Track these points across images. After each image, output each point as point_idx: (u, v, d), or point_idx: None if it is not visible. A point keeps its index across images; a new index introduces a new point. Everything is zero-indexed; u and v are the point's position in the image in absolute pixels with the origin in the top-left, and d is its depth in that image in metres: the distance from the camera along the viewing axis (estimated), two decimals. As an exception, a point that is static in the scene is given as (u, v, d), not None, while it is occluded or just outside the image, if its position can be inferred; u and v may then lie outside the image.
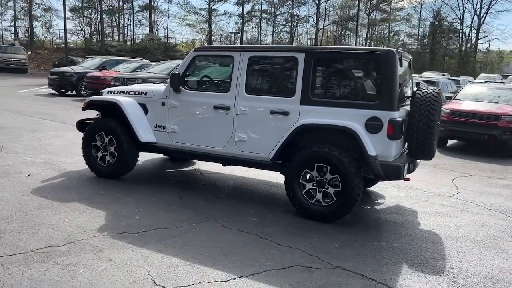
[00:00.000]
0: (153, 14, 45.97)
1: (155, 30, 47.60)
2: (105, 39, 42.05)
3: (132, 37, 46.24)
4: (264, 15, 49.63)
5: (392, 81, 4.31)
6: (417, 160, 4.93)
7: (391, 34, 53.89)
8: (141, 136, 5.37)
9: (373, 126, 4.29)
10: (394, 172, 4.29)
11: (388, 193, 5.91)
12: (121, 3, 44.95)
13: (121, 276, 3.13)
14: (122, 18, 47.00)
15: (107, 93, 5.90)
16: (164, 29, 48.17)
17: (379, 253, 3.86)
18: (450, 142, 10.50)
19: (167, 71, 13.46)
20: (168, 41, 45.96)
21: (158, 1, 45.91)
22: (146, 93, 5.54)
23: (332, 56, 4.77)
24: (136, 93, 5.60)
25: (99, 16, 42.06)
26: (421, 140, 4.52)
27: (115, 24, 45.95)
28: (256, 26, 51.53)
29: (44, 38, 44.78)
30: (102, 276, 3.11)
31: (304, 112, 4.59)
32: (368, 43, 49.41)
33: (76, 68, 18.10)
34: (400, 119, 4.27)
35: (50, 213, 4.27)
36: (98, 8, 41.82)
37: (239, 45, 32.74)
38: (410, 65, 5.21)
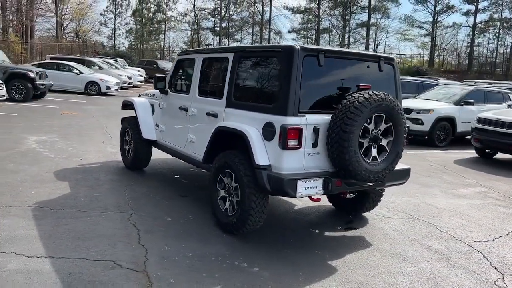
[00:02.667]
0: (370, 30, 45.97)
1: (376, 46, 47.47)
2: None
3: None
4: (505, 25, 43.19)
5: (288, 82, 3.69)
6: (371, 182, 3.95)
7: None
8: (144, 133, 5.98)
9: (268, 132, 3.78)
10: (278, 187, 3.64)
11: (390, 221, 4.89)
12: (334, 22, 46.59)
13: None
14: (341, 35, 48.54)
15: (143, 95, 6.74)
16: (377, 45, 47.34)
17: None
18: None
19: None
20: (383, 58, 45.12)
21: (379, 18, 45.52)
22: (154, 95, 6.13)
23: (248, 55, 4.36)
24: (150, 94, 6.26)
25: (315, 35, 44.69)
26: (336, 155, 3.69)
27: (329, 43, 47.88)
28: (495, 37, 45.21)
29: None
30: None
31: (226, 115, 4.38)
32: None
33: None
34: (294, 127, 3.62)
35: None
36: (315, 27, 44.49)
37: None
38: (380, 67, 4.25)
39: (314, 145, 3.78)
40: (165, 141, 5.70)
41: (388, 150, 3.95)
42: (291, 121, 3.65)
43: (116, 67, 26.00)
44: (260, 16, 45.35)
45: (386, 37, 49.00)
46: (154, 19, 47.27)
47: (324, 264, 3.70)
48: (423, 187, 6.58)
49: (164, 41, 48.43)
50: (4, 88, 13.75)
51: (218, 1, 45.21)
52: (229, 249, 3.84)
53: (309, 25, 45.85)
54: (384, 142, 3.93)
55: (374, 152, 3.88)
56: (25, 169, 6.06)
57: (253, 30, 48.38)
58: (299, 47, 3.75)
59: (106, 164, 6.72)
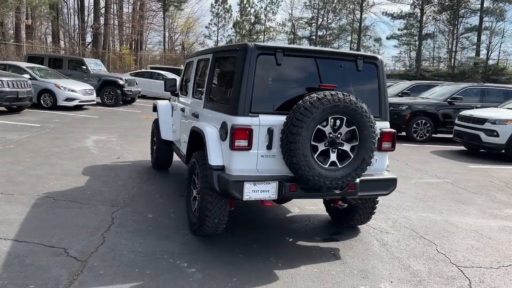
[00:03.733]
0: (482, 35, 42.01)
1: (490, 52, 43.31)
2: (421, 64, 41.76)
3: (452, 61, 43.76)
4: None
5: (239, 81, 3.59)
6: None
7: None
8: (162, 134, 6.25)
9: (222, 132, 3.72)
10: (225, 188, 3.54)
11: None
12: (441, 26, 43.37)
13: None
14: (449, 41, 45.11)
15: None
16: (490, 51, 42.85)
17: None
18: None
19: (445, 97, 12.23)
20: (497, 64, 40.93)
21: (492, 22, 41.36)
22: (171, 98, 6.39)
23: (220, 55, 4.31)
24: (171, 98, 6.53)
25: (418, 41, 42.14)
26: (286, 158, 3.49)
27: (434, 49, 44.75)
28: None
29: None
30: None
31: (202, 115, 4.42)
32: None
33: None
34: (242, 127, 3.51)
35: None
36: (418, 33, 41.96)
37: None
38: (358, 67, 3.92)
39: (269, 147, 3.62)
40: (176, 142, 5.89)
41: (352, 156, 3.62)
42: (240, 121, 3.54)
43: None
44: (358, 23, 44.18)
45: (501, 42, 44.17)
46: (253, 30, 48.75)
47: (269, 272, 3.50)
48: (459, 204, 5.86)
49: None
50: (95, 93, 15.32)
51: (315, 10, 45.10)
52: (182, 248, 3.84)
53: (411, 30, 43.38)
54: (346, 147, 3.61)
55: (333, 157, 3.58)
56: (63, 164, 6.70)
57: (351, 37, 47.31)
58: (252, 45, 3.64)
59: (137, 163, 7.14)
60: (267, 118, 3.60)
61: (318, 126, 3.47)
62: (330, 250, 4.04)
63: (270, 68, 3.67)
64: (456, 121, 10.75)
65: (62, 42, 37.16)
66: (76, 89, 14.37)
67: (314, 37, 45.73)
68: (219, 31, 50.53)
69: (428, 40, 43.92)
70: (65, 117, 12.47)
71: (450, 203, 5.91)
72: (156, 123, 6.58)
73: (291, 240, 4.25)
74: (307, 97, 3.49)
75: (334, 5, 45.90)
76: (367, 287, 3.37)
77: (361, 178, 3.81)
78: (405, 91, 14.85)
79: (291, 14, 47.36)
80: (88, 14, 33.16)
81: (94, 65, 17.63)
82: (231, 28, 49.72)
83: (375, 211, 4.52)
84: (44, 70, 15.20)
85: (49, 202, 4.83)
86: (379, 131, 3.93)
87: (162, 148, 6.42)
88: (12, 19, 23.10)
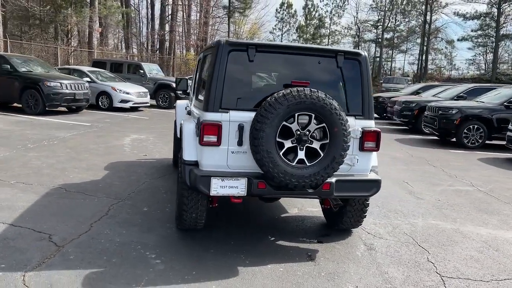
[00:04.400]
0: None
1: None
2: (499, 66, 38.92)
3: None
4: None
5: (210, 77, 3.64)
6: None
7: None
8: (178, 133, 6.45)
9: (197, 128, 3.79)
10: (194, 183, 3.58)
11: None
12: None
13: None
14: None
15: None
16: None
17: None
18: None
19: (501, 100, 11.21)
20: None
21: None
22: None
23: (206, 53, 4.35)
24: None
25: (495, 42, 39.32)
26: (252, 154, 3.47)
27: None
28: None
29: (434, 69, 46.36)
30: None
31: (192, 112, 4.52)
32: None
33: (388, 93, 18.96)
34: (211, 122, 3.54)
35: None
36: (494, 34, 39.16)
37: None
38: (338, 63, 3.79)
39: (239, 143, 3.62)
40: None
41: (322, 154, 3.51)
42: (209, 116, 3.58)
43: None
44: (428, 25, 42.16)
45: None
46: (316, 34, 48.37)
47: (232, 268, 3.49)
48: (481, 213, 5.41)
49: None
50: (149, 96, 16.09)
51: (382, 12, 43.76)
52: (158, 241, 3.94)
53: (487, 31, 40.59)
54: (316, 145, 3.51)
55: (301, 154, 3.50)
56: (91, 159, 7.14)
57: (422, 40, 45.27)
58: (224, 42, 3.66)
59: (161, 161, 7.41)
60: (237, 114, 3.60)
61: (284, 123, 3.41)
62: (309, 252, 3.93)
63: (242, 64, 3.67)
64: (510, 126, 9.90)
65: (133, 49, 39.48)
66: (131, 91, 15.19)
67: (380, 40, 44.36)
68: (283, 35, 50.80)
69: (506, 41, 40.83)
70: (116, 118, 13.24)
71: (471, 212, 5.47)
72: (175, 122, 6.80)
73: (272, 239, 4.20)
74: (275, 93, 3.45)
75: (402, 6, 44.25)
76: (327, 290, 3.25)
77: (340, 178, 3.69)
78: (461, 94, 13.93)
79: (356, 17, 46.32)
80: (162, 22, 34.88)
81: (151, 69, 18.54)
82: (295, 33, 49.75)
83: (365, 214, 4.32)
84: (104, 74, 16.26)
85: (60, 193, 5.18)
86: (361, 130, 3.77)
87: (177, 146, 6.61)
88: (85, 27, 24.95)
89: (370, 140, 3.82)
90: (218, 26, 44.69)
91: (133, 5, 37.90)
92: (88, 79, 14.93)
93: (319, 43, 48.13)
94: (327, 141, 3.49)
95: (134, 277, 3.23)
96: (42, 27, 24.74)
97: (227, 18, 42.83)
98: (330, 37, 48.26)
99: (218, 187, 3.53)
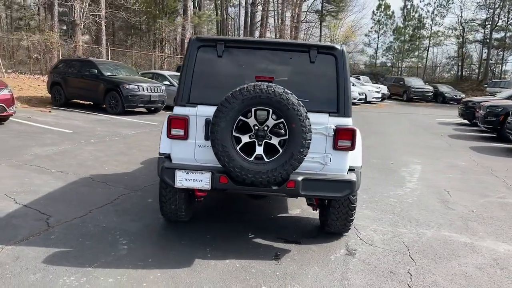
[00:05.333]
0: None
1: None
2: None
3: None
4: None
5: (181, 71, 3.77)
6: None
7: None
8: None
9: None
10: (160, 174, 3.71)
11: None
12: None
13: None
14: None
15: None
16: None
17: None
18: None
19: None
20: None
21: None
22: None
23: None
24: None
25: None
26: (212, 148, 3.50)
27: None
28: None
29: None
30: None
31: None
32: None
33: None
34: (177, 116, 3.66)
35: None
36: None
37: None
38: (311, 58, 3.67)
39: (207, 137, 3.67)
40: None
41: (281, 151, 3.42)
42: (176, 110, 3.70)
43: (353, 84, 26.86)
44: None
45: None
46: (414, 36, 45.73)
47: (189, 259, 3.54)
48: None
49: (426, 58, 46.22)
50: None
51: (491, 10, 39.90)
52: (139, 229, 4.14)
53: None
54: (275, 141, 3.43)
55: (260, 150, 3.44)
56: (137, 154, 7.68)
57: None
58: (194, 38, 3.75)
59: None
60: (205, 109, 3.66)
61: (242, 118, 3.40)
62: (278, 251, 3.83)
63: (211, 60, 3.73)
64: None
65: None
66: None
67: (488, 40, 40.50)
68: (379, 38, 48.98)
69: None
70: (187, 119, 13.94)
71: (504, 226, 4.83)
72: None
73: (251, 236, 4.16)
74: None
75: (517, 2, 39.89)
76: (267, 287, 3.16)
77: (307, 177, 3.56)
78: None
79: (461, 16, 42.87)
80: (251, 29, 35.94)
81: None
82: (391, 35, 47.66)
83: (352, 218, 4.07)
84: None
85: (85, 182, 5.69)
86: (334, 127, 3.60)
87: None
88: (178, 35, 26.71)
89: (344, 139, 3.62)
90: (312, 31, 44.69)
91: (230, 13, 39.50)
92: (168, 82, 15.96)
93: (417, 45, 45.50)
94: (286, 137, 3.39)
95: (93, 259, 3.45)
96: (139, 36, 27.08)
97: (319, 22, 42.62)
98: (431, 38, 45.30)
99: (182, 180, 3.62)
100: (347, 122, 3.65)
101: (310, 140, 3.40)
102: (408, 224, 4.75)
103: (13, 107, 10.23)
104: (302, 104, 3.37)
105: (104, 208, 4.69)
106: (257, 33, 35.24)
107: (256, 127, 3.41)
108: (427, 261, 3.79)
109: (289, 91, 3.36)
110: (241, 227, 4.39)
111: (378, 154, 8.94)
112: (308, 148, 3.41)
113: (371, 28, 49.37)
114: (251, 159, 3.43)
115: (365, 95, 25.92)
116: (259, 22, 35.43)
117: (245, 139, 3.44)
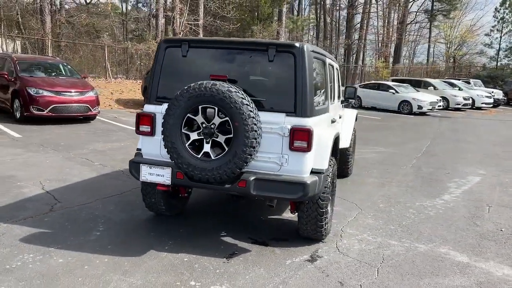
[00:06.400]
0: None
1: None
2: None
3: None
4: None
5: (151, 70, 3.97)
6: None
7: None
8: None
9: None
10: (129, 168, 3.94)
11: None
12: None
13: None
14: None
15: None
16: None
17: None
18: None
19: None
20: None
21: None
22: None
23: None
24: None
25: None
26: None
27: None
28: None
29: None
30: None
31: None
32: None
33: None
34: (144, 113, 3.87)
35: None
36: None
37: None
38: (269, 56, 3.59)
39: (157, 132, 3.82)
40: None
41: (227, 149, 3.42)
42: (145, 108, 3.92)
43: (460, 88, 24.74)
44: None
45: None
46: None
47: (143, 251, 3.67)
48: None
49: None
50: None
51: None
52: (122, 219, 4.42)
53: None
54: (221, 139, 3.44)
55: (207, 147, 3.48)
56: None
57: None
58: (162, 39, 3.92)
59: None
60: (160, 107, 3.80)
61: (189, 115, 3.48)
62: (238, 250, 3.80)
63: (176, 59, 3.85)
64: None
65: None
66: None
67: None
68: (501, 38, 44.16)
69: None
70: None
71: (527, 248, 4.16)
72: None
73: (223, 234, 4.18)
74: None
75: None
76: (192, 283, 3.17)
77: (259, 177, 3.51)
78: None
79: None
80: (349, 31, 35.16)
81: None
82: (516, 33, 42.62)
83: (322, 223, 3.86)
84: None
85: (115, 175, 6.21)
86: (289, 127, 3.50)
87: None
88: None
89: (300, 139, 3.49)
90: (421, 32, 42.15)
91: (329, 16, 39.05)
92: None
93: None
94: (231, 135, 3.39)
95: (61, 241, 3.80)
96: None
97: (429, 23, 39.95)
98: None
99: (147, 174, 3.81)
100: (304, 122, 3.50)
101: (255, 139, 3.35)
102: (406, 236, 4.34)
103: (97, 108, 11.48)
104: (247, 102, 3.34)
105: (110, 198, 5.09)
106: (356, 36, 34.33)
107: (204, 125, 3.46)
108: (393, 276, 3.44)
109: (233, 90, 3.35)
110: (219, 225, 4.43)
111: (438, 163, 8.20)
112: (253, 147, 3.36)
113: (492, 27, 44.76)
114: (199, 156, 3.48)
115: (472, 100, 23.68)
116: (359, 24, 34.43)
117: (193, 136, 3.51)
